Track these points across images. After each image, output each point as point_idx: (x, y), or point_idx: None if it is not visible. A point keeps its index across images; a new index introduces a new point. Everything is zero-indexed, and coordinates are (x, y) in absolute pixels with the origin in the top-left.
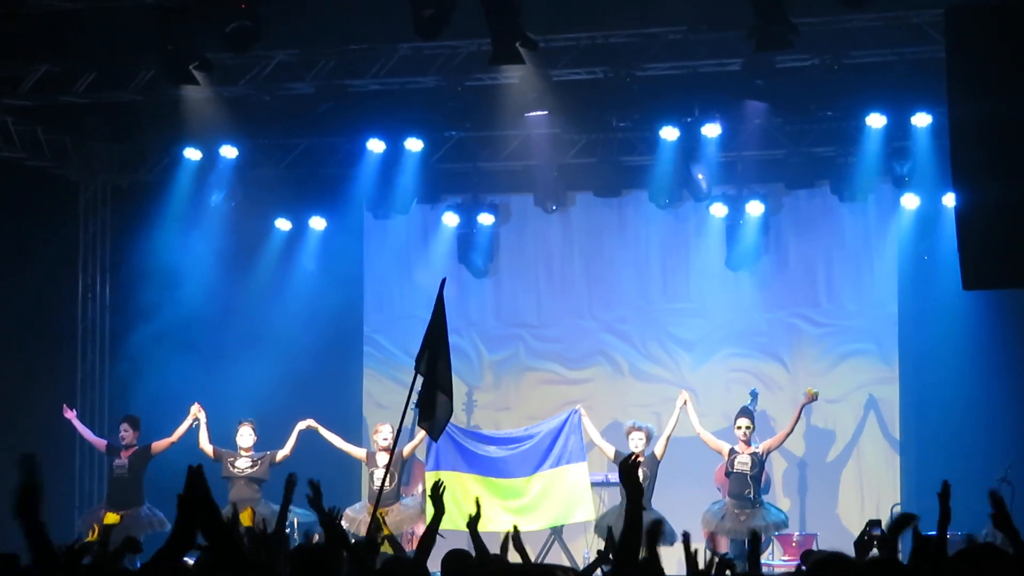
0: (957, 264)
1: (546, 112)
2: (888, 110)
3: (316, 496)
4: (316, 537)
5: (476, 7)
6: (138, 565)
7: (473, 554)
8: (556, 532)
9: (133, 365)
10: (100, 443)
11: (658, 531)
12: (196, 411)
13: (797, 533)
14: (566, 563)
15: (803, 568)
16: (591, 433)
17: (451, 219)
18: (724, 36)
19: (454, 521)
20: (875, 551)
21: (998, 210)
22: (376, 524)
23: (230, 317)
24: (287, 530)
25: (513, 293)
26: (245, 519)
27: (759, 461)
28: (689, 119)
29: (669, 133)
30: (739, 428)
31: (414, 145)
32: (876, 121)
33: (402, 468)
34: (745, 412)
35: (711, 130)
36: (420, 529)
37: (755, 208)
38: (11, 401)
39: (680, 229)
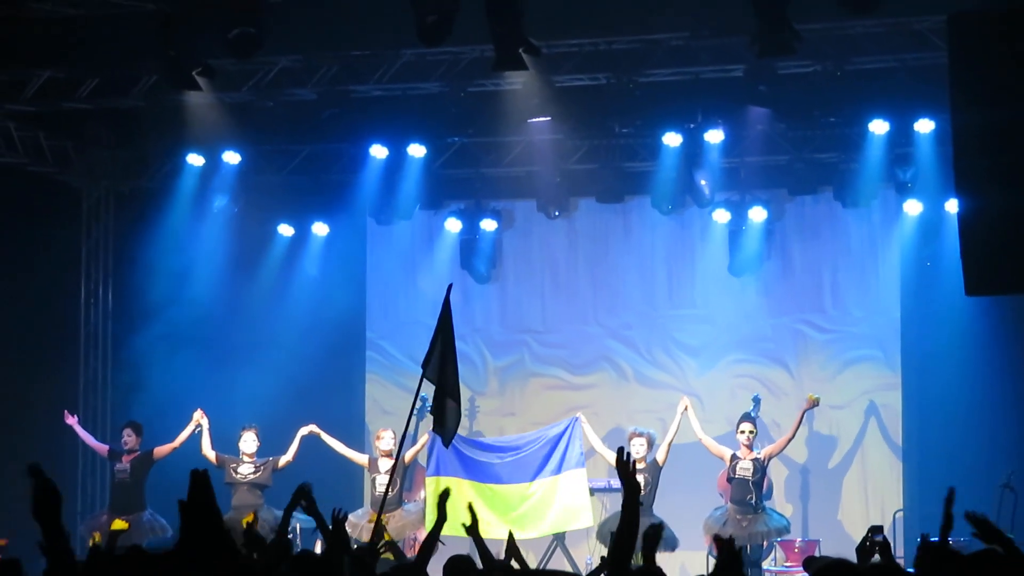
0: (960, 270)
1: (549, 118)
2: (891, 116)
3: (310, 504)
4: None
5: (479, 13)
6: None
7: (477, 560)
8: (558, 538)
9: (135, 371)
10: (102, 448)
11: (657, 535)
12: (199, 417)
13: (799, 539)
14: (568, 569)
15: (807, 574)
16: (592, 440)
17: (454, 225)
18: (727, 42)
19: (455, 527)
20: (877, 557)
21: (1001, 216)
22: (378, 530)
23: (233, 322)
24: (289, 535)
25: (518, 299)
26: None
27: (761, 467)
28: (692, 125)
29: (672, 139)
30: (741, 433)
31: (417, 151)
32: (879, 127)
33: (404, 474)
34: (747, 418)
35: (714, 136)
36: (422, 535)
37: (758, 214)
38: (14, 406)
39: (683, 235)
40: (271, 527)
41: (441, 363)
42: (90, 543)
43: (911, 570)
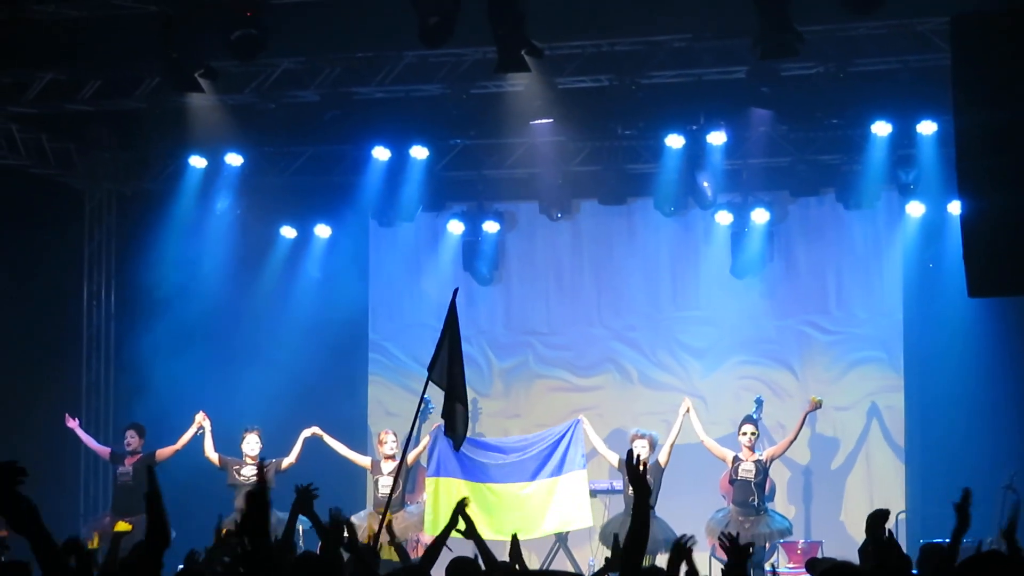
0: (962, 272)
1: (551, 120)
2: (894, 118)
3: (307, 505)
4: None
5: (481, 15)
6: None
7: (479, 562)
8: (561, 540)
9: (138, 372)
10: (104, 451)
11: (686, 553)
12: (201, 419)
13: (802, 540)
14: (571, 570)
15: None
16: (594, 441)
17: (456, 227)
18: (729, 44)
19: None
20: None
21: (1003, 217)
22: (389, 530)
23: (235, 325)
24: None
25: (522, 301)
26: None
27: (763, 468)
28: (694, 127)
29: (674, 141)
30: (743, 435)
31: (419, 153)
32: (881, 129)
33: (406, 475)
34: (749, 420)
35: (716, 138)
36: (424, 536)
37: (760, 216)
38: (16, 408)
39: (686, 237)
40: (274, 529)
41: (449, 368)
42: (89, 545)
43: (914, 572)
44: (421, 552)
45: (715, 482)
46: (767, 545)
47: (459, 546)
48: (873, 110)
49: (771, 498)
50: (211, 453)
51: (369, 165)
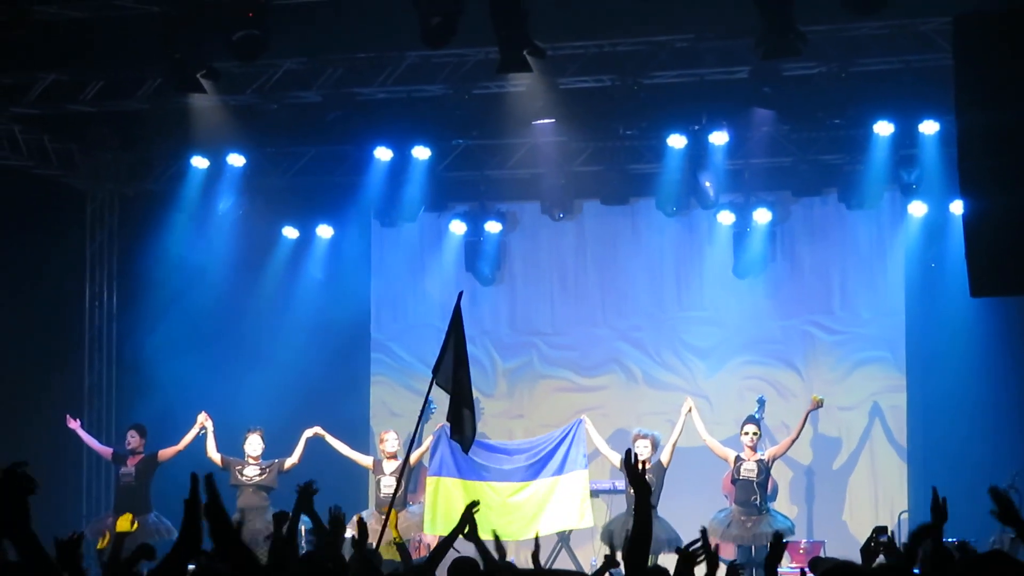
0: (964, 271)
1: (553, 120)
2: (895, 118)
3: (306, 500)
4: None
5: (483, 15)
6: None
7: (480, 562)
8: (563, 539)
9: (140, 373)
10: (106, 451)
11: (690, 557)
12: (203, 419)
13: (804, 540)
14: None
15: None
16: (596, 441)
17: (458, 227)
18: (731, 44)
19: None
20: (882, 557)
21: (1005, 217)
22: (397, 528)
23: (237, 325)
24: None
25: (526, 301)
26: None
27: (765, 468)
28: (696, 127)
29: (676, 141)
30: (745, 435)
31: (421, 153)
32: (883, 129)
33: (409, 475)
34: (751, 420)
35: (718, 138)
36: (427, 537)
37: (762, 216)
38: (19, 409)
39: (688, 237)
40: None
41: (454, 371)
42: (99, 546)
43: (915, 571)
44: (423, 552)
45: (717, 482)
46: (769, 545)
47: (464, 547)
48: (875, 110)
49: (773, 498)
50: (213, 454)
51: (371, 165)
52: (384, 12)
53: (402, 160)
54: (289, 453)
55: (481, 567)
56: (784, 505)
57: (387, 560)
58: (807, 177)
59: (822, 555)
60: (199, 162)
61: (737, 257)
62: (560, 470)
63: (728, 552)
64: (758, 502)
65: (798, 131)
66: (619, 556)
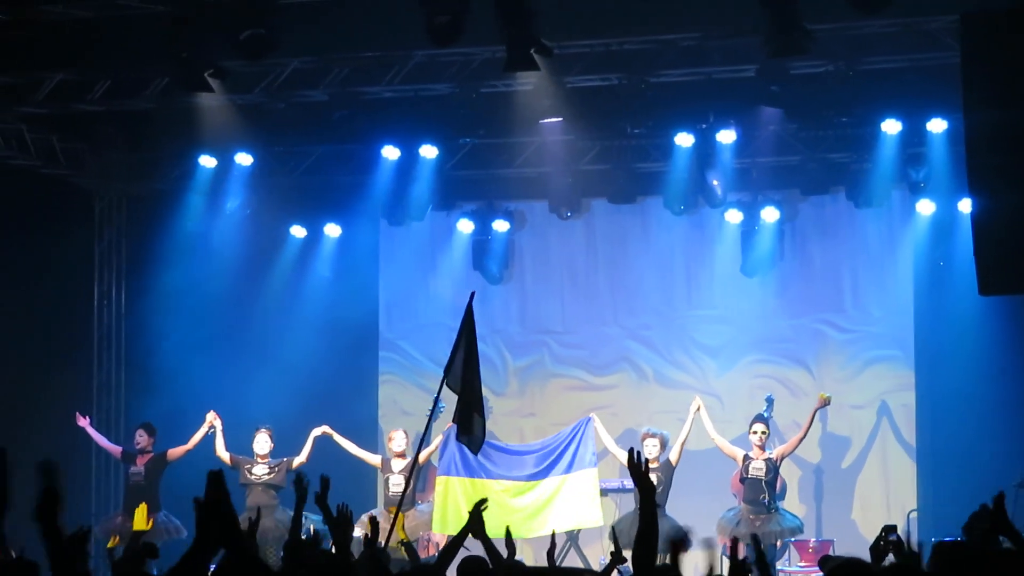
0: (973, 270)
1: (560, 119)
2: (903, 116)
3: (323, 493)
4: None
5: (490, 14)
6: (155, 572)
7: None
8: (571, 538)
9: (149, 372)
10: (115, 450)
11: (683, 540)
12: (212, 418)
13: (813, 539)
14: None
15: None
16: (605, 440)
17: (466, 226)
18: (739, 42)
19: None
20: (891, 556)
21: (1014, 215)
22: (389, 529)
23: (245, 324)
24: (303, 536)
25: (537, 300)
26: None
27: (773, 467)
28: (704, 125)
29: (684, 139)
30: (754, 434)
31: (429, 152)
32: (891, 127)
33: (417, 474)
34: (760, 419)
35: (726, 136)
36: (435, 536)
37: (770, 214)
38: (28, 408)
39: (695, 236)
40: (286, 528)
41: (464, 373)
42: (109, 544)
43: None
44: (431, 551)
45: (726, 481)
46: (778, 543)
47: (474, 546)
48: (883, 108)
49: (782, 496)
50: (222, 452)
51: (379, 164)
52: (391, 11)
53: (409, 159)
54: (297, 452)
55: (489, 566)
56: (793, 504)
57: (394, 560)
58: (815, 175)
59: (831, 554)
60: (207, 161)
61: (745, 255)
62: (569, 468)
63: (740, 551)
64: (767, 501)
65: (806, 129)
66: (626, 553)
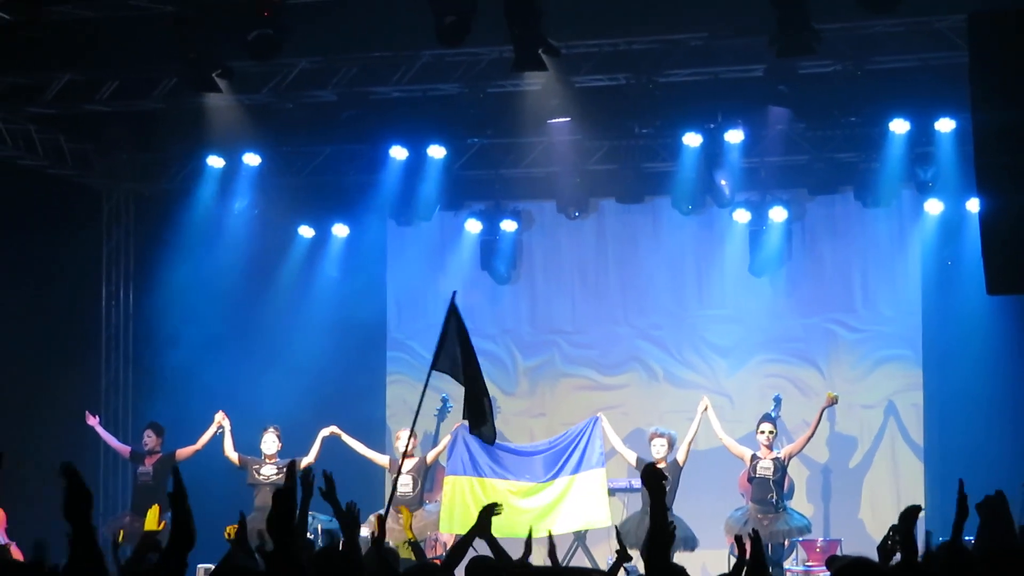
0: (981, 269)
1: (568, 119)
2: (911, 115)
3: (330, 488)
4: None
5: (498, 14)
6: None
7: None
8: (579, 538)
9: (157, 372)
10: (124, 449)
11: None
12: (220, 419)
13: (821, 539)
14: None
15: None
16: (612, 439)
17: (474, 226)
18: (747, 42)
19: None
20: (899, 556)
21: (1022, 215)
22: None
23: (253, 324)
24: (311, 536)
25: (546, 299)
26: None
27: (781, 466)
28: (712, 125)
29: (692, 139)
30: (761, 433)
31: (436, 152)
32: (899, 126)
33: (425, 474)
34: (767, 418)
35: (734, 136)
36: (442, 535)
37: (778, 214)
38: (36, 408)
39: (704, 235)
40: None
41: (467, 369)
42: (117, 539)
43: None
44: (439, 550)
45: (734, 481)
46: (786, 543)
47: (482, 546)
48: (891, 108)
49: (790, 496)
50: (231, 453)
51: (386, 164)
52: (399, 11)
53: (417, 159)
54: (306, 452)
55: (498, 565)
56: (801, 503)
57: (402, 560)
58: (823, 175)
59: (838, 553)
60: (215, 161)
61: (753, 255)
62: (577, 469)
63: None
64: (775, 500)
65: (814, 129)
66: (632, 552)
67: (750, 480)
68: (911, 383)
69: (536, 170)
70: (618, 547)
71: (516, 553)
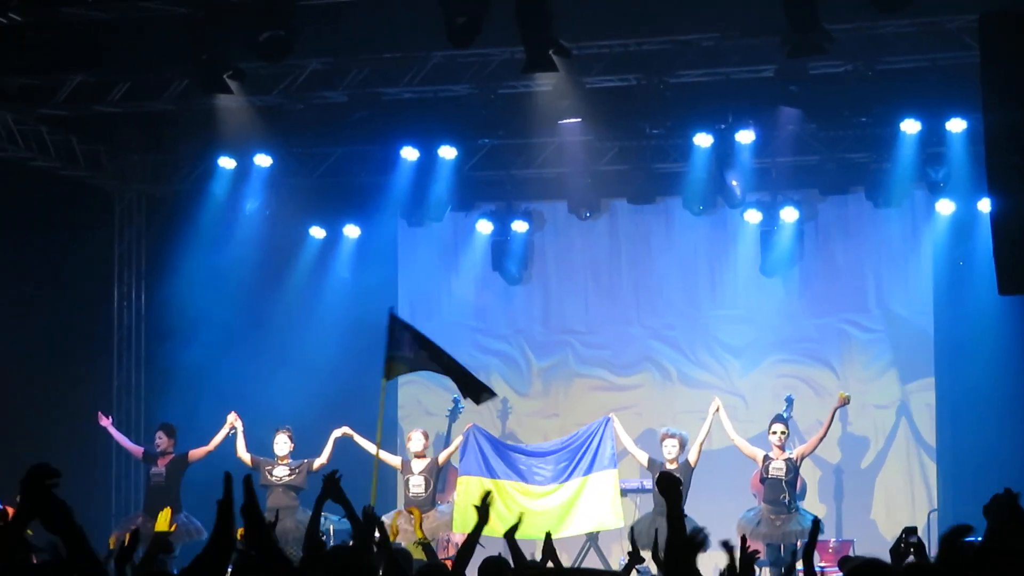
0: (992, 269)
1: (579, 119)
2: (922, 116)
3: (337, 490)
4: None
5: (509, 15)
6: (175, 572)
7: (510, 562)
8: (591, 539)
9: (169, 373)
10: (137, 450)
11: (700, 541)
12: (233, 419)
13: (833, 539)
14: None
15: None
16: (624, 440)
17: (485, 226)
18: (757, 42)
19: (489, 527)
20: (911, 558)
21: None
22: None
23: (265, 325)
24: (323, 537)
25: (559, 300)
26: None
27: (793, 467)
28: (723, 126)
29: (703, 140)
30: (773, 434)
31: (448, 153)
32: (910, 127)
33: (437, 475)
34: (779, 419)
35: (745, 136)
36: (455, 536)
37: (790, 214)
38: (48, 409)
39: (716, 236)
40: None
41: (442, 360)
42: (112, 544)
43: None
44: (451, 551)
45: (746, 481)
46: (798, 543)
47: (492, 545)
48: (902, 108)
49: (802, 496)
50: (243, 454)
51: (398, 165)
52: (409, 12)
53: (428, 160)
54: (318, 453)
55: (511, 566)
56: (813, 504)
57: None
58: (834, 175)
59: (851, 554)
60: (226, 162)
61: (765, 255)
62: (589, 470)
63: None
64: (787, 501)
65: (825, 129)
66: (644, 553)
67: (762, 481)
68: (923, 383)
69: (547, 171)
70: (630, 548)
71: (528, 554)
